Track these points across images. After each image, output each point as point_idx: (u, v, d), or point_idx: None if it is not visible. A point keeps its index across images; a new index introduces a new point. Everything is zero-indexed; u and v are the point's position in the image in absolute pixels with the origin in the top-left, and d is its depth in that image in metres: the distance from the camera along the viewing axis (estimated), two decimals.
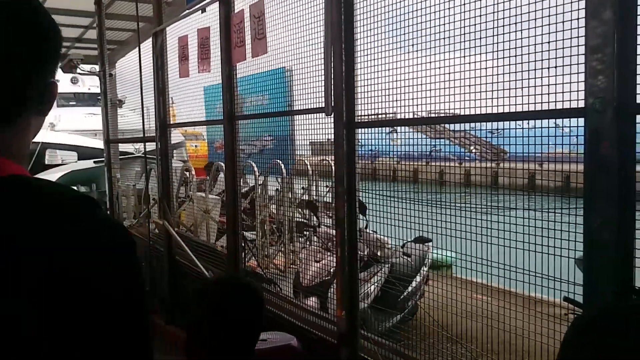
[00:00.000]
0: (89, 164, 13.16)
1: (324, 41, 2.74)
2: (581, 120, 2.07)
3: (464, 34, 2.34)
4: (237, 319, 1.68)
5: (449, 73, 2.49)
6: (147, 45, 5.24)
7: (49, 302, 0.70)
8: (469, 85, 2.35)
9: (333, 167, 6.07)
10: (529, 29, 2.03)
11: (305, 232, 6.48)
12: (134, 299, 0.79)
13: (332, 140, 4.83)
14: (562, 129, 2.34)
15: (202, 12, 4.15)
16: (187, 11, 4.33)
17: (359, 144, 2.78)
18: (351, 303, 2.82)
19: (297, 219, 6.41)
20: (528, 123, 2.31)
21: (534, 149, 2.32)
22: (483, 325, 2.69)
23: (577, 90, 1.74)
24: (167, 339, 4.53)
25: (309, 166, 6.46)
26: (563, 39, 1.79)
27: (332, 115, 2.79)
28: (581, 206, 2.25)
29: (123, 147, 7.59)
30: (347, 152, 2.74)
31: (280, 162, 5.75)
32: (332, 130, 3.28)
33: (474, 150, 3.79)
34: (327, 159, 6.13)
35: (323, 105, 3.05)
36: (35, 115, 0.89)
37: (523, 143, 2.35)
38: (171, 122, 5.25)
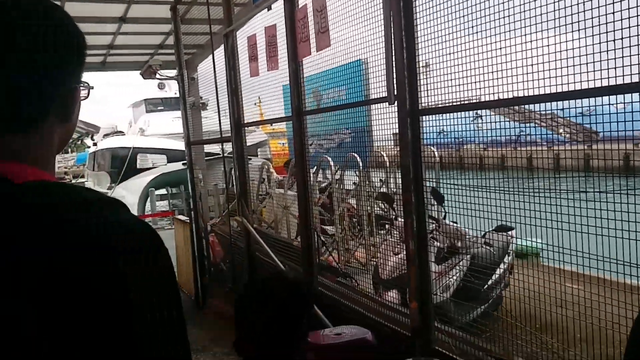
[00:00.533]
0: (177, 166, 13.69)
1: (384, 29, 2.69)
2: None
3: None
4: (284, 314, 1.68)
5: (517, 52, 2.37)
6: (221, 48, 5.37)
7: (54, 303, 0.71)
8: (554, 61, 2.22)
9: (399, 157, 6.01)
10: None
11: (384, 225, 6.42)
12: (157, 301, 0.77)
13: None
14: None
15: (268, 10, 4.20)
16: (254, 10, 4.39)
17: (443, 132, 2.70)
18: (424, 295, 2.75)
19: (376, 212, 6.36)
20: (623, 98, 2.14)
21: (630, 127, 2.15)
22: (574, 315, 2.54)
23: None
24: None
25: (385, 157, 6.39)
26: None
27: (395, 104, 2.73)
28: None
29: (210, 147, 7.84)
30: (411, 141, 2.67)
31: (357, 155, 5.72)
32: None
33: (562, 133, 3.60)
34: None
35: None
36: (59, 122, 0.89)
37: (617, 120, 2.19)
38: (250, 121, 5.36)
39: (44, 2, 0.87)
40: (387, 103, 3.08)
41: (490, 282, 4.58)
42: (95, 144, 22.16)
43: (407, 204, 2.73)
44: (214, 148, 8.57)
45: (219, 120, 5.54)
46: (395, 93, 2.69)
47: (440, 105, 2.70)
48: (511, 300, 3.17)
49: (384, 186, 6.63)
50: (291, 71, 3.86)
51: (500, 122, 3.00)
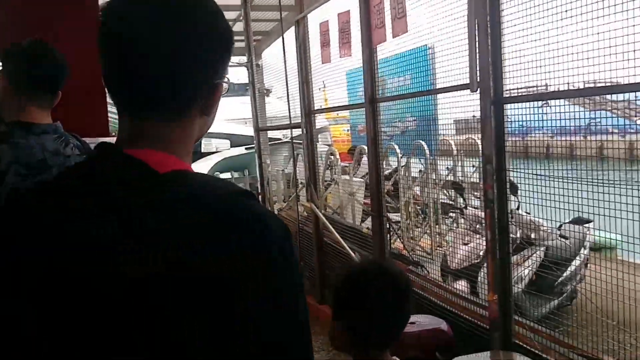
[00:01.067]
0: (240, 150, 13.90)
1: (468, 14, 2.62)
2: None
3: None
4: (381, 304, 1.66)
5: (605, 39, 2.27)
6: (289, 34, 5.39)
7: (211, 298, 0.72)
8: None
9: (480, 146, 5.91)
10: None
11: (451, 214, 6.33)
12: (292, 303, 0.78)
13: (478, 117, 4.66)
14: None
15: None
16: None
17: (508, 120, 2.63)
18: (503, 287, 2.70)
19: (442, 201, 6.28)
20: None
21: None
22: None
23: None
24: (320, 319, 4.68)
25: (453, 146, 6.29)
26: None
27: (478, 92, 2.67)
28: None
29: (271, 133, 7.92)
30: (495, 129, 2.60)
31: (423, 143, 5.65)
32: (478, 107, 3.16)
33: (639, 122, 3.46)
34: (472, 137, 5.93)
35: (467, 82, 2.93)
36: (200, 114, 0.91)
37: None
38: (322, 107, 5.36)
39: None
40: (468, 90, 3.03)
41: (564, 275, 4.46)
42: None
43: (488, 194, 2.67)
44: (275, 134, 8.67)
45: (288, 106, 5.58)
46: (478, 80, 2.62)
47: (527, 94, 2.62)
48: (586, 294, 3.08)
49: (450, 174, 6.54)
50: (365, 58, 3.83)
51: (569, 112, 2.89)
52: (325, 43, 4.58)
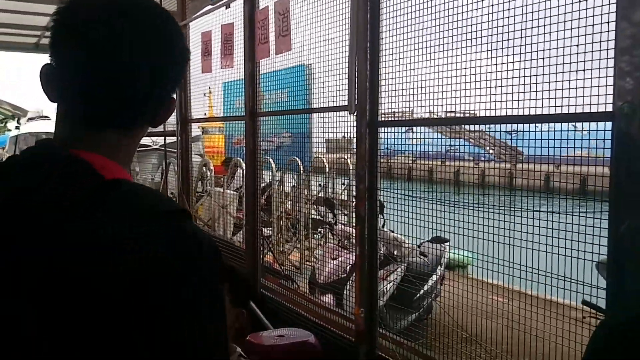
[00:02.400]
0: None
1: (350, 39, 2.74)
2: (601, 125, 2.08)
3: (490, 35, 2.33)
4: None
5: (471, 74, 2.48)
6: None
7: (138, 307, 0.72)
8: (494, 87, 2.34)
9: (350, 165, 6.16)
10: (552, 32, 2.02)
11: (320, 230, 6.51)
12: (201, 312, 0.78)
13: (349, 137, 4.86)
14: (581, 132, 2.35)
15: (226, 8, 4.17)
16: (211, 7, 4.35)
17: (381, 142, 2.78)
18: (370, 301, 2.82)
19: (313, 216, 6.44)
20: (548, 126, 2.32)
21: (551, 151, 2.33)
22: (500, 326, 2.69)
23: (605, 94, 1.73)
24: None
25: (326, 163, 6.48)
26: (592, 42, 1.78)
27: (355, 114, 2.79)
28: (602, 210, 2.26)
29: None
30: (369, 151, 2.74)
31: (298, 159, 5.77)
32: (352, 128, 3.30)
33: (490, 151, 3.79)
34: (344, 156, 6.16)
35: (344, 103, 3.06)
36: (147, 125, 0.93)
37: (542, 145, 2.35)
38: (206, 113, 5.27)
39: (164, 13, 0.91)
40: (345, 112, 3.16)
41: (423, 290, 4.76)
42: (18, 128, 21.09)
43: (360, 211, 2.80)
44: (144, 140, 8.37)
45: None
46: (356, 103, 2.75)
47: (399, 120, 2.79)
48: (442, 308, 3.33)
49: (322, 191, 6.73)
50: (247, 72, 3.85)
51: (431, 138, 3.14)
52: (206, 53, 4.54)
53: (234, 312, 1.91)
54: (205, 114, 5.52)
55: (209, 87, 5.29)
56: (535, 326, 2.50)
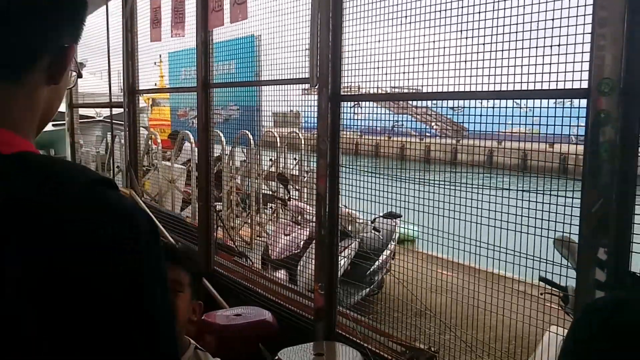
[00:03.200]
0: (47, 127, 12.58)
1: (311, 9, 2.64)
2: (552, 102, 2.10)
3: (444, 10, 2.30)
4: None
5: (425, 50, 2.45)
6: (114, 6, 5.00)
7: (45, 301, 0.62)
8: (449, 62, 2.32)
9: (302, 140, 6.08)
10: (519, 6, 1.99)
11: (271, 205, 6.43)
12: (145, 298, 0.68)
13: (297, 111, 4.77)
14: (520, 108, 2.37)
15: None
16: None
17: (343, 117, 2.71)
18: (330, 278, 2.78)
19: (265, 191, 6.34)
20: (493, 102, 2.33)
21: (495, 128, 2.34)
22: (448, 300, 2.73)
23: (581, 71, 1.71)
24: None
25: (277, 138, 6.37)
26: (568, 17, 1.75)
27: (317, 87, 2.71)
28: (560, 188, 2.29)
29: (82, 111, 7.29)
30: (331, 125, 2.66)
31: (248, 133, 5.64)
32: (305, 102, 3.23)
33: (435, 127, 3.80)
34: (295, 130, 6.07)
35: (303, 76, 2.97)
36: (45, 83, 0.78)
37: (487, 122, 2.36)
38: (157, 84, 5.03)
39: None
40: (298, 85, 3.09)
41: (375, 266, 4.78)
42: None
43: (320, 187, 2.73)
44: (87, 111, 8.02)
45: (109, 83, 5.17)
46: (318, 75, 2.66)
47: (362, 93, 2.72)
48: (393, 283, 3.35)
49: (273, 166, 6.63)
50: (200, 41, 3.69)
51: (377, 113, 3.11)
52: (156, 21, 4.32)
53: (191, 305, 1.81)
54: (155, 84, 5.30)
55: (160, 56, 5.07)
56: (484, 300, 2.53)
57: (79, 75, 0.92)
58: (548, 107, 2.15)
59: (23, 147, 0.72)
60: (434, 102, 3.10)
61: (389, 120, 3.12)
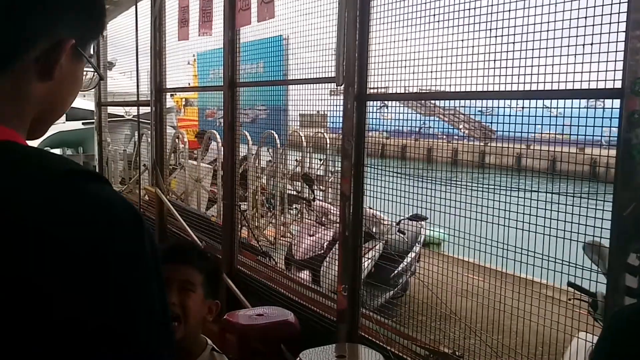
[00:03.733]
0: (76, 125, 12.79)
1: (339, 8, 2.61)
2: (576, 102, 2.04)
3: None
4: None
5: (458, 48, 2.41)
6: (143, 6, 5.05)
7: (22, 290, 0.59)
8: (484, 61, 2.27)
9: (327, 140, 6.06)
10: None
11: (296, 205, 6.42)
12: (130, 293, 0.65)
13: (324, 113, 4.75)
14: (550, 110, 2.31)
15: None
16: None
17: (369, 117, 2.68)
18: (353, 280, 2.75)
19: (290, 192, 6.34)
20: (522, 103, 2.27)
21: (525, 129, 2.28)
22: (474, 304, 2.67)
23: (614, 70, 1.65)
24: None
25: (303, 138, 6.36)
26: (602, 14, 1.70)
27: (342, 86, 2.68)
28: (591, 191, 2.23)
29: (111, 109, 7.39)
30: (356, 125, 2.64)
31: (274, 133, 5.64)
32: (332, 102, 3.21)
33: (462, 129, 3.76)
34: (321, 131, 6.05)
35: (330, 75, 2.95)
36: (37, 77, 0.74)
37: (516, 123, 2.30)
38: (190, 83, 5.06)
39: None
40: (324, 85, 3.07)
41: (400, 268, 4.73)
42: None
43: (344, 188, 2.70)
44: (117, 110, 8.12)
45: (137, 82, 5.23)
46: (344, 75, 2.64)
47: (390, 93, 2.69)
48: (418, 286, 3.31)
49: (298, 166, 6.62)
50: (227, 40, 3.70)
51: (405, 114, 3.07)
52: (183, 20, 4.34)
53: (207, 304, 1.78)
54: (189, 84, 5.33)
55: (194, 55, 5.08)
56: (510, 304, 2.48)
57: (100, 77, 0.88)
58: (580, 108, 2.09)
59: (4, 136, 0.69)
60: (462, 103, 3.05)
61: (416, 120, 3.08)
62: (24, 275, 0.58)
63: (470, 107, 3.20)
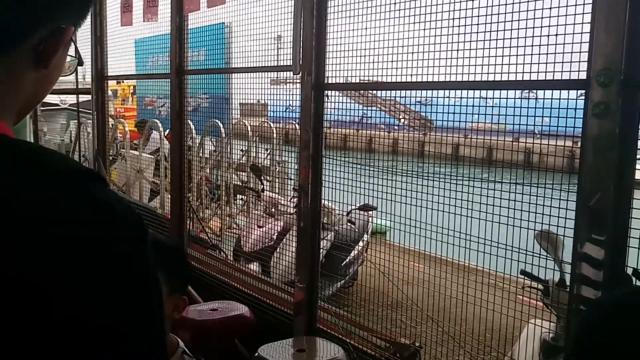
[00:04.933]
0: None
1: None
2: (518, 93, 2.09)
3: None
4: None
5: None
6: None
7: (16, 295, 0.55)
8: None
9: (274, 130, 5.99)
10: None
11: (242, 196, 6.32)
12: (130, 302, 0.62)
13: (265, 102, 4.68)
14: (486, 101, 2.36)
15: None
16: None
17: (327, 106, 2.64)
18: (311, 272, 2.71)
19: (235, 182, 6.24)
20: (461, 94, 2.31)
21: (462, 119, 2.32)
22: (422, 291, 2.70)
23: (579, 61, 1.67)
24: None
25: (249, 128, 6.27)
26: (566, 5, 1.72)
27: (299, 75, 2.63)
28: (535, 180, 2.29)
29: (46, 97, 7.03)
30: (314, 115, 2.59)
31: (219, 122, 5.52)
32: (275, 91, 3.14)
33: (402, 120, 3.79)
34: (267, 121, 5.98)
35: (287, 64, 2.89)
36: (32, 66, 0.69)
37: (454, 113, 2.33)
38: (115, 74, 4.84)
39: None
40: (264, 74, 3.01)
41: (349, 258, 4.75)
42: None
43: (304, 179, 2.66)
44: (51, 98, 7.75)
45: (76, 69, 4.96)
46: (301, 63, 2.58)
47: (349, 83, 2.65)
48: (366, 275, 3.32)
49: (244, 157, 6.52)
50: (174, 26, 3.56)
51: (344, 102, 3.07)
52: (127, 4, 4.15)
53: (172, 301, 1.70)
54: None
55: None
56: (455, 290, 2.52)
57: (79, 63, 0.84)
58: (515, 99, 2.14)
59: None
60: (402, 94, 3.07)
61: (358, 110, 3.07)
62: (23, 275, 0.55)
63: (405, 97, 3.23)
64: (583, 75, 1.65)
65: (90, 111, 4.87)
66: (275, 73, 3.29)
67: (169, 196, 4.17)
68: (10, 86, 0.69)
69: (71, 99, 5.47)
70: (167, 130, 5.02)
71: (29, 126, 6.63)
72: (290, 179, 5.82)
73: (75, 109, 5.69)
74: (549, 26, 1.75)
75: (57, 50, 0.71)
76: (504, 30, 1.98)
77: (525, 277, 2.68)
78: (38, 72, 0.71)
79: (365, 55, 2.53)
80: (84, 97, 5.06)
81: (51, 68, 0.72)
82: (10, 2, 0.64)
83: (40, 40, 0.68)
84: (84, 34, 4.75)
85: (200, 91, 4.52)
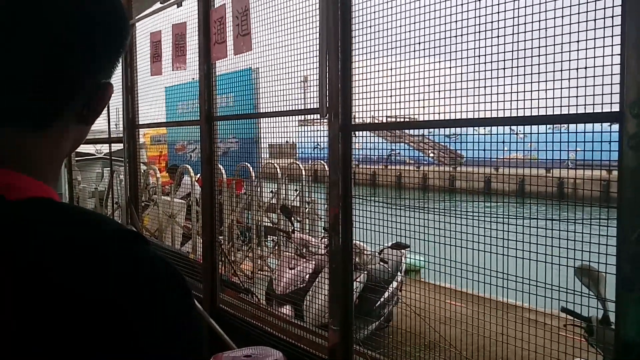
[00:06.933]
0: None
1: (319, 39, 2.58)
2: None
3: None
4: None
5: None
6: None
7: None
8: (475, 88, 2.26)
9: (303, 171, 6.01)
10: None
11: (272, 238, 6.31)
12: None
13: (293, 142, 4.71)
14: (517, 135, 2.32)
15: (177, 7, 3.93)
16: (161, 5, 4.10)
17: (355, 147, 2.64)
18: (345, 315, 2.66)
19: (266, 224, 6.24)
20: (491, 129, 2.28)
21: (493, 154, 2.29)
22: (459, 331, 2.63)
23: (611, 93, 1.64)
24: None
25: (278, 169, 6.30)
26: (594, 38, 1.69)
27: (327, 117, 2.64)
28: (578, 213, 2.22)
29: (81, 147, 7.21)
30: (342, 155, 2.58)
31: (249, 165, 5.57)
32: (311, 132, 3.16)
33: (430, 154, 3.76)
34: (296, 162, 6.01)
35: (305, 107, 2.92)
36: (75, 122, 0.69)
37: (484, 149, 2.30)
38: (140, 123, 4.96)
39: None
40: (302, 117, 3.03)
41: (383, 298, 4.66)
42: None
43: (334, 219, 2.64)
44: (87, 148, 7.94)
45: (108, 118, 5.11)
46: (327, 105, 2.59)
47: (376, 123, 2.65)
48: (401, 315, 3.24)
49: (274, 197, 6.54)
50: (203, 74, 3.63)
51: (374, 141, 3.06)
52: (156, 54, 4.27)
53: None
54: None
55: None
56: (493, 329, 2.44)
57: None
58: (546, 133, 2.10)
59: (38, 193, 0.62)
60: (430, 130, 3.05)
61: (386, 149, 3.06)
62: (79, 348, 0.53)
63: (437, 134, 3.20)
64: (616, 107, 1.62)
65: (123, 159, 4.96)
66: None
67: (201, 240, 4.20)
68: (56, 154, 0.68)
69: (106, 148, 5.59)
70: (198, 175, 5.09)
71: (64, 176, 6.80)
72: (321, 219, 5.81)
73: (114, 158, 5.82)
74: (577, 59, 1.72)
75: (102, 108, 0.71)
76: (531, 65, 1.96)
77: (567, 315, 2.59)
78: (79, 130, 0.71)
79: (391, 96, 2.54)
80: (116, 146, 5.18)
81: (92, 123, 0.73)
82: (57, 68, 0.63)
83: (85, 100, 0.68)
84: (115, 83, 4.89)
85: (229, 134, 4.58)
